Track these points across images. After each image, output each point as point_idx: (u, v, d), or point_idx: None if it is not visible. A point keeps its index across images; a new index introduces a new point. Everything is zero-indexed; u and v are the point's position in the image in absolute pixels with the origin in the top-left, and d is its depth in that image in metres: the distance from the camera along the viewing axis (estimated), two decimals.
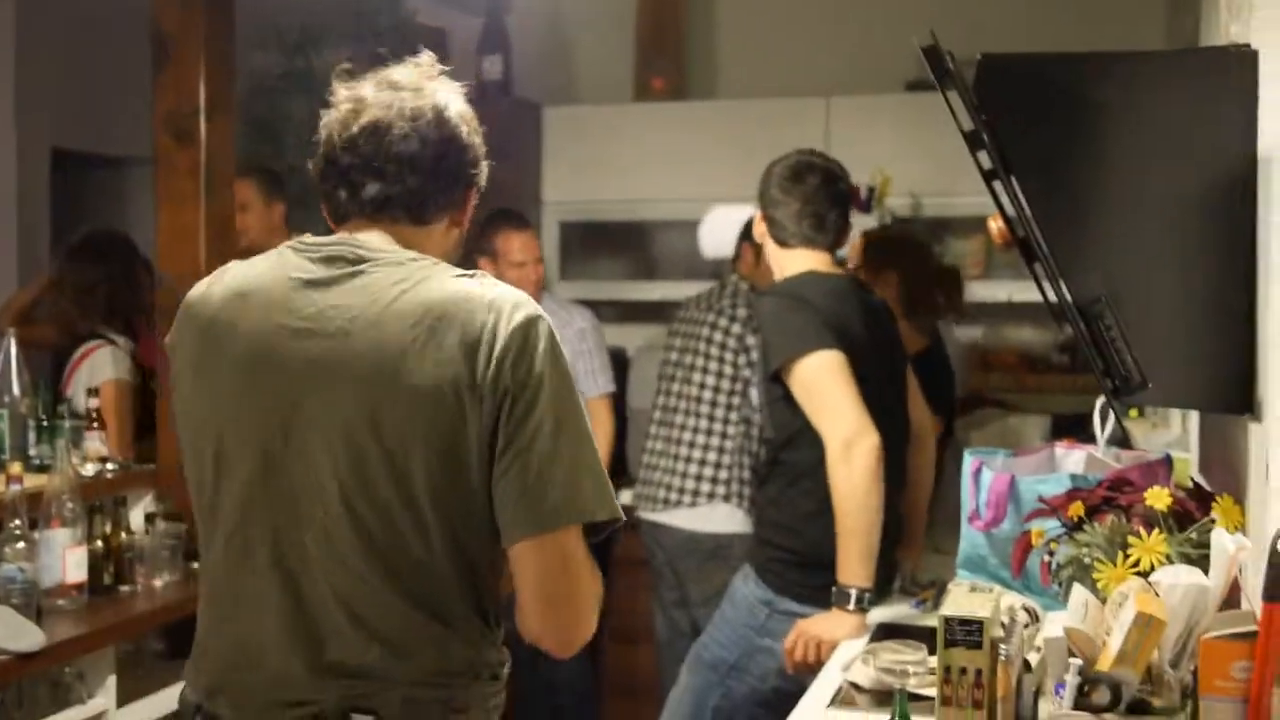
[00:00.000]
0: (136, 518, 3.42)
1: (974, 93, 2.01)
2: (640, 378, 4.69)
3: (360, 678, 1.62)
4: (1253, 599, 1.76)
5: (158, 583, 3.22)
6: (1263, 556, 1.60)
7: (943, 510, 3.51)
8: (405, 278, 1.66)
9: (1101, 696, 1.62)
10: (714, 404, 4.12)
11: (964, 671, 1.80)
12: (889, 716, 2.18)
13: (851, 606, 2.69)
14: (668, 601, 4.17)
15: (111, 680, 2.95)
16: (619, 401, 4.49)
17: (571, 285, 4.98)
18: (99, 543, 3.13)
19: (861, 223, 4.14)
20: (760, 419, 4.06)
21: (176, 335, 1.77)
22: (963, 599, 1.88)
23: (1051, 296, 2.02)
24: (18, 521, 2.84)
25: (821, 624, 2.72)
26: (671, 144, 4.86)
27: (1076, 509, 2.11)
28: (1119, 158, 1.97)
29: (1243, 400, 1.86)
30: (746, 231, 4.25)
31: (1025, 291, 4.47)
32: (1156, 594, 1.71)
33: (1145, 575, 1.85)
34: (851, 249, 3.44)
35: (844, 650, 2.61)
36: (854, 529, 2.68)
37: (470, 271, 1.70)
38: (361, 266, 1.68)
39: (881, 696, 2.29)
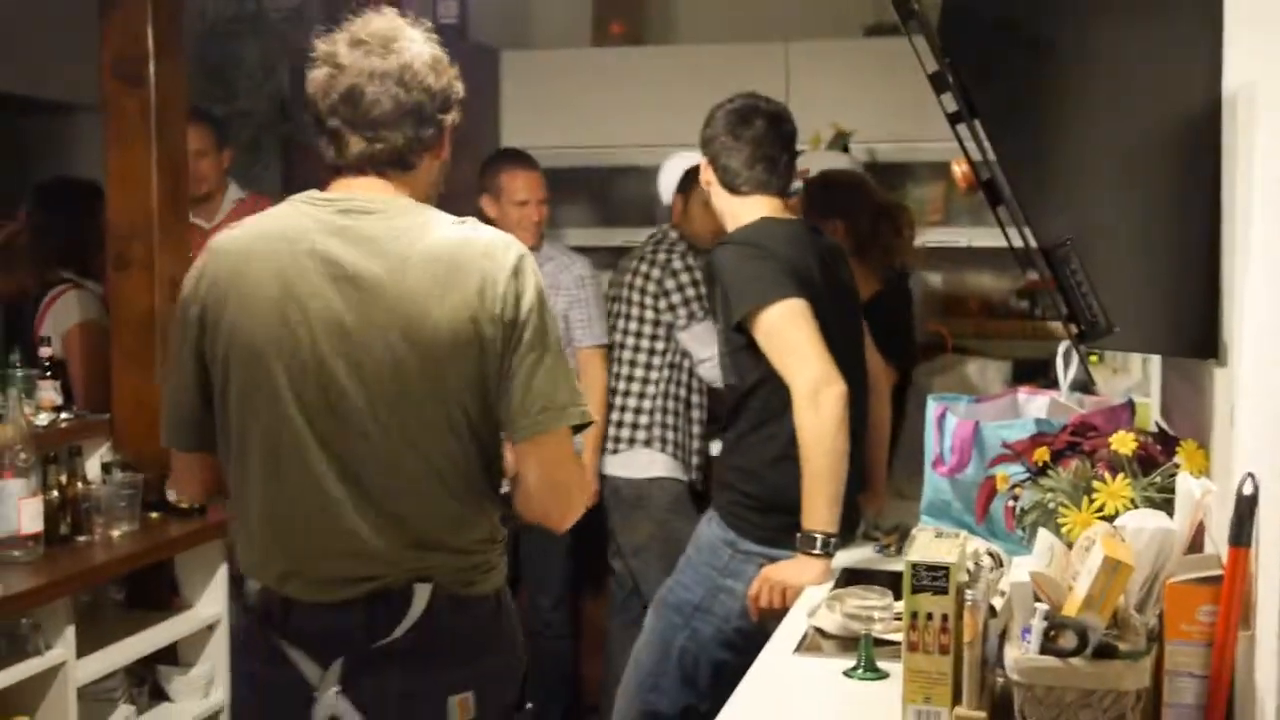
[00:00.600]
0: (93, 468, 3.39)
1: (939, 34, 1.99)
2: None
3: (418, 551, 1.99)
4: (1218, 543, 1.77)
5: (115, 533, 3.20)
6: (1228, 500, 1.61)
7: (905, 456, 3.53)
8: (410, 227, 1.99)
9: (1068, 641, 1.62)
10: (636, 349, 4.21)
11: (930, 617, 1.81)
12: (854, 662, 2.20)
13: (817, 551, 2.70)
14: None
15: (70, 631, 2.93)
16: None
17: None
18: (54, 493, 3.10)
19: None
20: (699, 365, 4.12)
21: (204, 277, 2.04)
22: (928, 544, 1.89)
23: (1016, 241, 2.01)
24: None
25: (787, 569, 2.73)
26: (630, 89, 4.82)
27: (1041, 454, 2.11)
28: (1084, 100, 1.95)
29: (1207, 344, 1.85)
30: (682, 184, 4.29)
31: (985, 237, 4.52)
32: (1123, 539, 1.71)
33: (1110, 520, 1.85)
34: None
35: (809, 596, 2.62)
36: (820, 474, 2.68)
37: (461, 219, 2.04)
38: (372, 218, 1.99)
39: (847, 642, 2.31)
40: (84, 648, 3.00)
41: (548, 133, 4.82)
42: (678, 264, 4.18)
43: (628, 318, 4.23)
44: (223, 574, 3.47)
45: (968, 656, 1.79)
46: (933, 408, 2.61)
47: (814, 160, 4.22)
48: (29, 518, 2.93)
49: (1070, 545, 1.80)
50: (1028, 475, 2.14)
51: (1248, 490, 1.55)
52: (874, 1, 4.62)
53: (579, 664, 4.52)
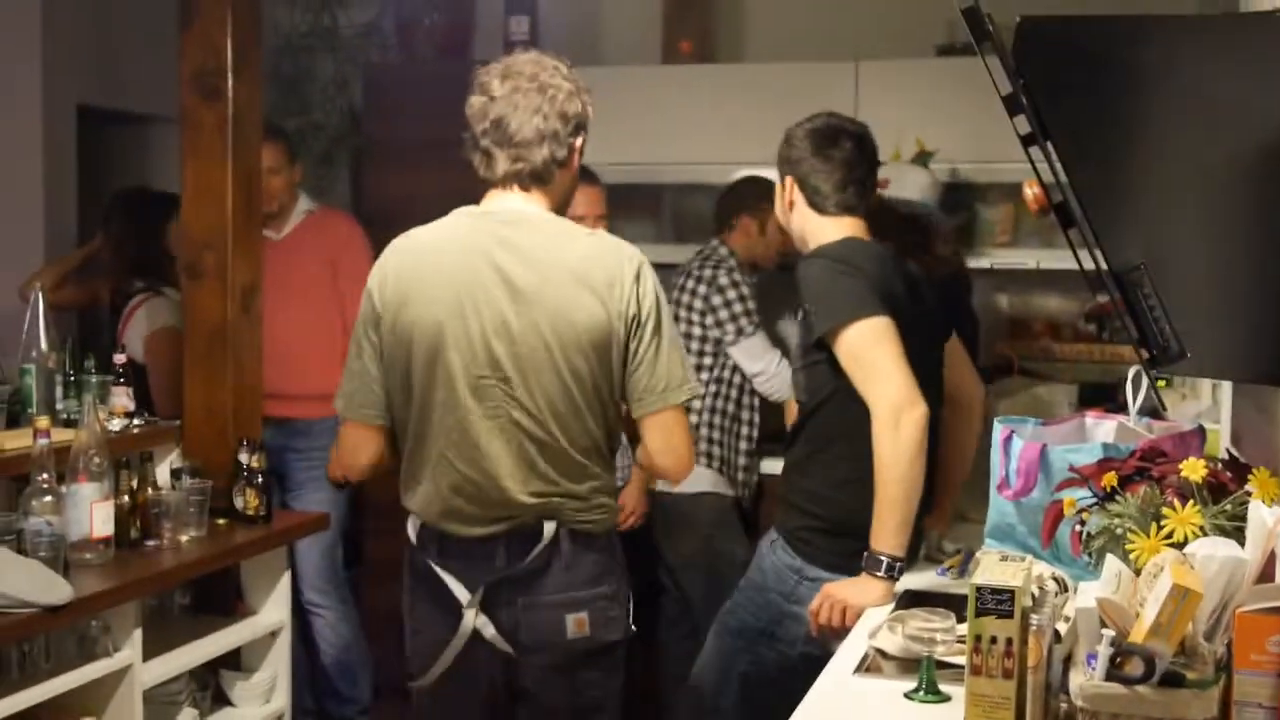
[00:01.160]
0: (163, 473, 3.44)
1: (1012, 56, 1.98)
2: None
3: (548, 498, 2.48)
4: None
5: (183, 538, 3.24)
6: None
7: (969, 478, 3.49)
8: (554, 237, 2.49)
9: (1135, 668, 1.61)
10: None
11: (994, 640, 1.79)
12: (915, 684, 2.19)
13: (882, 574, 2.68)
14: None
15: (138, 634, 2.97)
16: None
17: None
18: (125, 498, 3.14)
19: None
20: (754, 379, 4.13)
21: (386, 274, 2.52)
22: (994, 568, 1.87)
23: (1088, 264, 1.99)
24: (45, 476, 2.85)
25: (849, 589, 2.71)
26: (698, 107, 4.82)
27: (1109, 479, 2.09)
28: (1159, 123, 1.94)
29: None
30: (744, 203, 4.28)
31: (1053, 259, 4.48)
32: (1192, 566, 1.69)
33: (1179, 547, 1.83)
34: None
35: (870, 617, 2.61)
36: (894, 498, 2.66)
37: (590, 231, 2.57)
38: (524, 231, 2.48)
39: (908, 664, 2.29)
40: (150, 651, 3.04)
41: (615, 149, 4.82)
42: (724, 280, 4.19)
43: None
44: (286, 581, 3.51)
45: (1031, 681, 1.78)
46: (999, 430, 2.59)
47: (893, 173, 4.20)
48: (100, 521, 2.98)
49: (1138, 572, 1.79)
50: (1095, 500, 2.12)
51: None
52: (946, 21, 4.60)
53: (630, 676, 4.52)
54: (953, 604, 2.31)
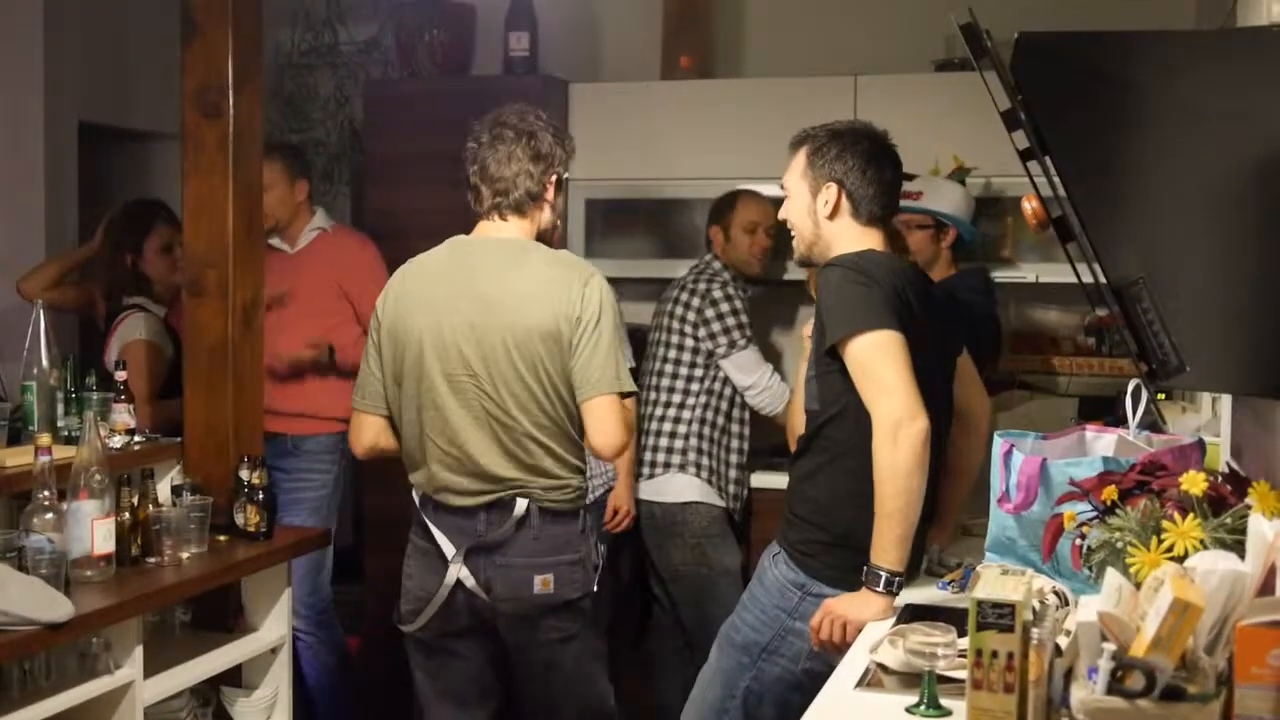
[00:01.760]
0: (164, 490, 3.44)
1: (1011, 71, 1.99)
2: None
3: (522, 475, 2.97)
4: None
5: (184, 554, 3.24)
6: None
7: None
8: (517, 256, 3.01)
9: (1136, 682, 1.61)
10: (674, 375, 4.30)
11: (995, 655, 1.79)
12: (917, 698, 2.19)
13: (881, 588, 2.67)
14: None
15: (138, 651, 2.97)
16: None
17: (595, 263, 4.90)
18: (126, 514, 3.14)
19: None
20: (746, 392, 4.25)
21: (390, 292, 3.07)
22: (994, 582, 1.87)
23: (1087, 278, 2.00)
24: (46, 493, 2.85)
25: (848, 604, 2.70)
26: (698, 122, 4.82)
27: (1109, 493, 2.09)
28: (1157, 138, 1.94)
29: None
30: (716, 215, 4.41)
31: (1052, 273, 4.49)
32: (1192, 580, 1.69)
33: (1179, 560, 1.83)
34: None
35: (871, 631, 2.60)
36: (893, 511, 2.65)
37: (555, 253, 3.05)
38: (495, 251, 3.01)
39: (909, 678, 2.29)
40: (151, 668, 3.04)
41: (615, 164, 4.85)
42: (718, 293, 4.25)
43: (666, 345, 4.32)
44: (287, 597, 3.51)
45: (1033, 696, 1.78)
46: (998, 444, 2.59)
47: (927, 186, 4.22)
48: (101, 538, 2.98)
49: (1138, 585, 1.79)
50: (1095, 514, 2.12)
51: None
52: (945, 37, 4.61)
53: (619, 685, 4.50)
54: (954, 618, 2.31)
